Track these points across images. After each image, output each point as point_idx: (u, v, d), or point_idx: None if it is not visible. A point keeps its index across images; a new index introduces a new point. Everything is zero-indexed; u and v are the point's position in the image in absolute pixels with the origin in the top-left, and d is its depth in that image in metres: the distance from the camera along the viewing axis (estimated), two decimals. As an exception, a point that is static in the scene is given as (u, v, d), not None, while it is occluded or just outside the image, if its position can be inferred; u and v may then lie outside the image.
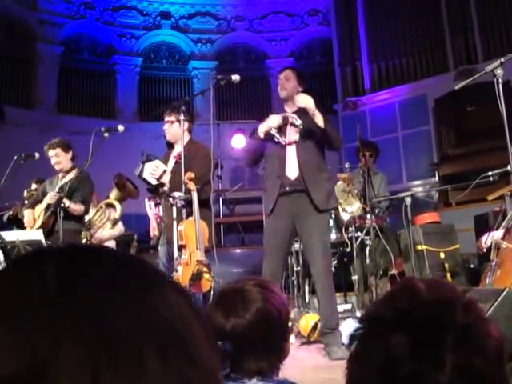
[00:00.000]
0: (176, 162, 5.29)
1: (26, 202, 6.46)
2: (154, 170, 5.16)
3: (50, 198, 5.71)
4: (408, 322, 0.91)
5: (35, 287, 0.51)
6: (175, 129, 5.41)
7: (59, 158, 5.98)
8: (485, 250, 4.79)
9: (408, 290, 0.98)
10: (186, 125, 5.32)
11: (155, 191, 5.28)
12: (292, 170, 4.92)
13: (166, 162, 5.42)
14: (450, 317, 0.93)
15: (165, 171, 5.14)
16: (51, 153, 5.99)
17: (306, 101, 4.90)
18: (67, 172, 6.03)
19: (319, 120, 4.85)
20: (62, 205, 5.53)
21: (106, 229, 6.94)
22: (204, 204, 4.94)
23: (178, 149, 5.34)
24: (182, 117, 4.82)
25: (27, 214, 6.06)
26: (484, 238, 4.93)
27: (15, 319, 0.49)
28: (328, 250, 5.11)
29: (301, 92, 5.15)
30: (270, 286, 1.98)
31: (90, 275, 0.53)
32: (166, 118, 5.48)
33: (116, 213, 6.98)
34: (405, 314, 0.92)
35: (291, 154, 4.96)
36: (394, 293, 1.02)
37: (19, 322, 0.48)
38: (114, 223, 7.03)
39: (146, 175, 5.15)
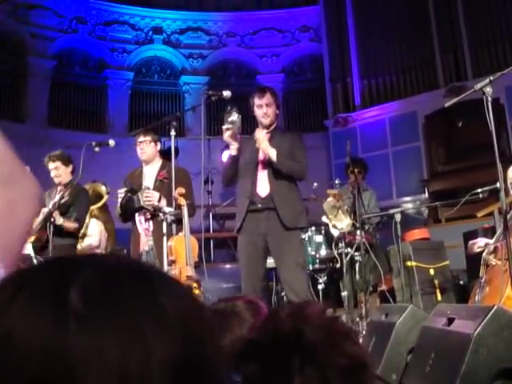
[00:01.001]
0: (159, 181, 5.35)
1: None
2: (147, 197, 5.18)
3: (42, 213, 5.67)
4: (259, 352, 0.97)
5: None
6: (151, 149, 5.53)
7: (59, 171, 5.96)
8: (476, 251, 4.82)
9: (267, 322, 1.04)
10: (158, 145, 5.54)
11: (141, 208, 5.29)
12: (263, 188, 4.93)
13: (138, 180, 5.49)
14: (297, 342, 0.96)
15: (160, 196, 5.18)
16: (51, 165, 5.97)
17: (260, 144, 4.98)
18: (66, 185, 5.99)
19: (272, 156, 4.89)
20: (53, 220, 5.50)
21: (78, 243, 6.96)
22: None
23: (153, 168, 5.55)
24: (173, 132, 4.82)
25: None
26: (477, 241, 4.96)
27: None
28: (304, 272, 5.05)
29: (277, 115, 5.26)
30: (259, 303, 1.98)
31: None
32: (142, 139, 5.55)
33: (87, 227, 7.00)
34: (255, 345, 0.98)
35: (262, 172, 4.98)
36: (259, 326, 1.07)
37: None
38: (82, 237, 7.03)
39: (144, 204, 5.17)
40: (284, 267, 4.84)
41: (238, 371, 0.94)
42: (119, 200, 5.28)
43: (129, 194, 5.18)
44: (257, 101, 5.15)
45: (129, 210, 5.26)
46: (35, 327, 0.52)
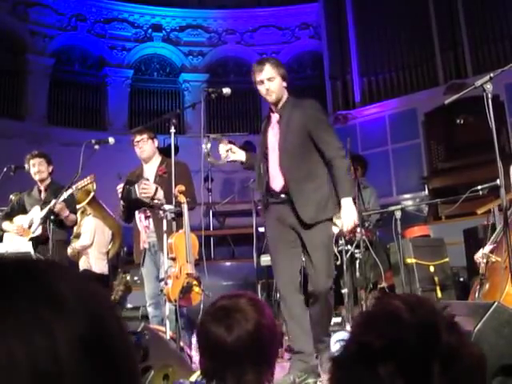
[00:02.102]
0: (159, 176, 5.34)
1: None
2: (144, 189, 5.16)
3: (53, 205, 5.69)
4: (396, 350, 0.90)
5: None
6: (150, 146, 5.52)
7: (42, 168, 6.02)
8: (482, 265, 4.80)
9: (390, 314, 0.96)
10: (156, 141, 5.53)
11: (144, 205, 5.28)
12: (277, 182, 4.46)
13: (139, 176, 5.49)
14: (435, 341, 0.91)
15: (157, 188, 5.16)
16: (36, 161, 6.03)
17: None
18: (47, 185, 6.05)
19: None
20: (63, 213, 5.57)
21: (72, 243, 7.00)
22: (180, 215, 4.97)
23: (153, 166, 5.54)
24: (172, 129, 4.82)
25: (9, 227, 6.05)
26: (479, 253, 4.96)
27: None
28: (332, 268, 4.52)
29: (285, 87, 4.55)
30: (260, 300, 2.01)
31: None
32: (139, 138, 5.55)
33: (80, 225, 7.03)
34: (392, 343, 0.91)
35: (274, 163, 4.48)
36: (377, 317, 0.99)
37: None
38: (77, 236, 7.06)
39: (140, 196, 5.15)
40: (311, 262, 4.34)
41: (373, 369, 0.89)
42: (119, 196, 5.27)
43: (127, 186, 5.18)
44: (257, 77, 4.45)
45: (129, 204, 5.25)
46: None
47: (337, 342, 4.83)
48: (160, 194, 5.14)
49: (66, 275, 0.64)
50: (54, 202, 5.68)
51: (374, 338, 0.92)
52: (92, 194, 7.11)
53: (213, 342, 1.86)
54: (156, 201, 5.09)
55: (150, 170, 5.52)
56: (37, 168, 6.01)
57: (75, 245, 7.03)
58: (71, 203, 5.98)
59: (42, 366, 0.55)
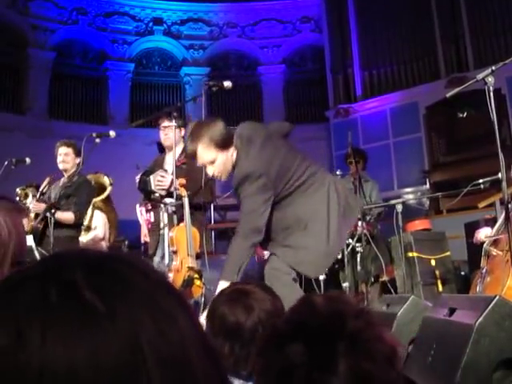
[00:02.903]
0: (177, 167, 5.21)
1: (18, 199, 6.37)
2: (160, 181, 5.07)
3: (32, 208, 5.63)
4: (303, 332, 0.98)
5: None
6: (176, 134, 5.36)
7: (68, 158, 5.86)
8: (482, 239, 4.80)
9: (305, 304, 1.06)
10: (183, 131, 5.31)
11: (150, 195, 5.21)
12: None
13: (160, 167, 5.36)
14: (341, 325, 0.99)
15: (173, 180, 5.06)
16: (63, 150, 5.85)
17: None
18: (70, 176, 5.92)
19: None
20: (48, 214, 5.46)
21: (81, 235, 6.94)
22: (198, 208, 4.93)
23: (177, 153, 5.33)
24: (174, 122, 4.80)
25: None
26: (482, 230, 4.96)
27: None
28: None
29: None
30: (270, 288, 2.02)
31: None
32: (167, 124, 5.36)
33: (86, 218, 6.99)
34: (300, 325, 1.00)
35: None
36: (294, 308, 1.09)
37: None
38: (87, 229, 7.02)
39: (155, 187, 5.08)
40: None
41: (281, 349, 0.97)
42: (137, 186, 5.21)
43: (144, 177, 5.12)
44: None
45: (146, 195, 5.19)
46: (76, 349, 0.50)
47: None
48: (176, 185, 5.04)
49: (154, 268, 0.63)
50: (34, 203, 5.65)
51: (284, 323, 1.02)
52: (108, 190, 7.10)
53: (231, 324, 1.85)
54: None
55: (171, 158, 5.38)
56: (62, 157, 5.86)
57: (86, 237, 7.00)
58: (78, 201, 5.87)
59: (179, 358, 0.54)
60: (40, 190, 5.99)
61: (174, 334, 0.54)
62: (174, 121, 4.84)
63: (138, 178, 5.22)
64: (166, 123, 5.33)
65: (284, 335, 0.99)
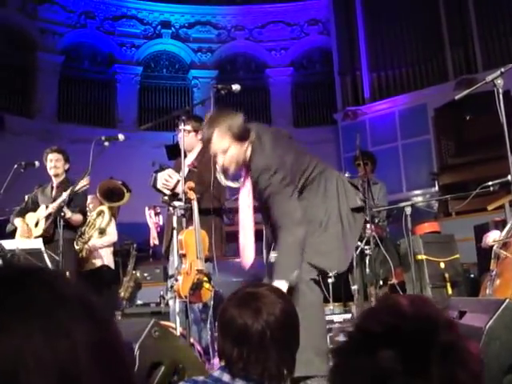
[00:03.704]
0: (189, 171, 5.21)
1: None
2: (166, 181, 5.07)
3: (52, 208, 5.72)
4: (396, 336, 0.92)
5: None
6: (191, 138, 5.37)
7: (58, 164, 6.03)
8: (491, 244, 4.78)
9: (392, 306, 0.99)
10: (199, 136, 5.32)
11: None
12: None
13: (178, 170, 5.32)
14: (434, 333, 0.94)
15: (178, 181, 5.05)
16: (52, 156, 6.03)
17: None
18: (60, 183, 6.05)
19: None
20: (63, 214, 5.52)
21: (94, 237, 6.95)
22: (208, 212, 4.92)
23: (189, 158, 5.33)
24: (182, 126, 4.80)
25: (19, 224, 6.08)
26: (491, 233, 4.94)
27: None
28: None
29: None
30: (282, 290, 2.01)
31: None
32: (187, 127, 5.36)
33: (104, 221, 6.99)
34: (393, 329, 0.93)
35: None
36: (379, 308, 1.03)
37: None
38: (101, 231, 7.02)
39: (160, 186, 5.08)
40: None
41: (373, 354, 0.91)
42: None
43: (154, 174, 5.12)
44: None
45: (157, 191, 5.17)
46: None
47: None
48: (179, 188, 5.03)
49: (71, 283, 0.66)
50: (52, 205, 5.72)
51: (375, 324, 0.95)
52: (127, 197, 7.14)
53: (239, 327, 1.84)
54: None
55: (186, 162, 5.38)
56: (53, 163, 6.02)
57: (101, 241, 7.01)
58: (80, 203, 5.99)
59: (66, 367, 0.56)
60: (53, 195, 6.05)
61: (63, 345, 0.57)
62: (182, 124, 4.83)
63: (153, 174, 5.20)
64: (188, 127, 5.34)
65: (377, 338, 0.94)
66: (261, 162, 3.65)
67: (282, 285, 3.33)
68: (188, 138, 5.33)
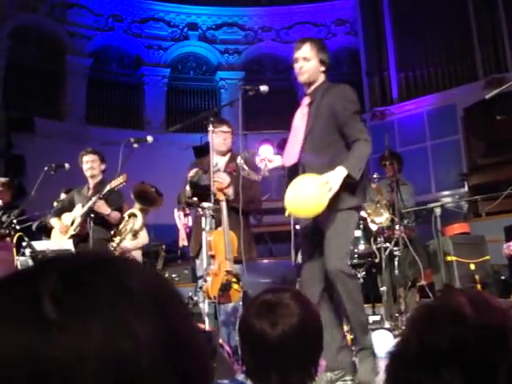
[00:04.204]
0: (229, 173, 5.26)
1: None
2: (220, 178, 5.09)
3: (92, 203, 5.74)
4: (460, 353, 0.85)
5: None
6: (228, 140, 5.47)
7: (94, 165, 6.05)
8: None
9: (454, 312, 0.90)
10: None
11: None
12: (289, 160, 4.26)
13: (206, 168, 5.35)
14: (503, 345, 0.85)
15: (229, 184, 5.10)
16: (88, 157, 6.06)
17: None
18: (97, 183, 6.07)
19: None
20: (103, 211, 5.60)
21: (127, 239, 6.98)
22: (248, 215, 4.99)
23: (222, 160, 5.44)
24: (211, 127, 4.81)
25: (56, 223, 6.13)
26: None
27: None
28: (345, 252, 4.17)
29: (322, 71, 4.30)
30: (304, 297, 1.97)
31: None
32: (226, 129, 5.46)
33: (137, 223, 7.02)
34: (457, 345, 0.85)
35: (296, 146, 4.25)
36: (440, 314, 0.93)
37: None
38: (135, 234, 7.05)
39: (211, 182, 5.01)
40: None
41: (436, 371, 0.83)
42: (189, 179, 5.22)
43: (200, 172, 5.14)
44: (294, 54, 4.29)
45: (195, 189, 5.20)
46: (17, 344, 0.54)
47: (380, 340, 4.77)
48: (230, 191, 5.08)
49: (142, 274, 0.64)
50: (93, 199, 5.74)
51: (440, 340, 0.87)
52: (160, 201, 7.20)
53: (256, 338, 1.82)
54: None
55: (220, 164, 5.43)
56: (89, 164, 6.04)
57: (135, 243, 7.07)
58: (116, 201, 6.02)
59: (126, 368, 0.55)
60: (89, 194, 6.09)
61: (124, 345, 0.55)
62: (211, 125, 4.84)
63: (193, 171, 5.21)
64: (225, 128, 5.41)
65: (441, 354, 0.85)
66: (351, 96, 4.26)
67: (342, 172, 3.84)
68: (228, 141, 5.43)
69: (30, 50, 14.11)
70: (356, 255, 6.49)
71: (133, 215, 7.16)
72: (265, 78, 15.12)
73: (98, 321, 0.56)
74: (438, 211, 5.86)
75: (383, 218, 6.37)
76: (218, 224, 4.71)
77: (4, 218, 6.45)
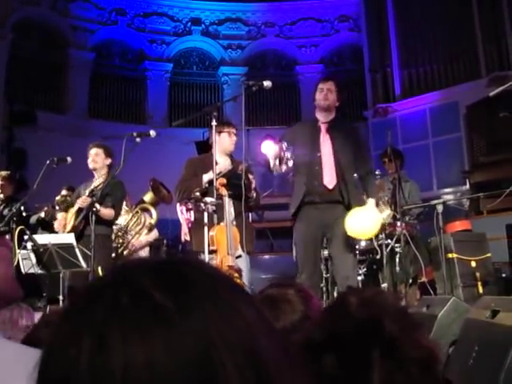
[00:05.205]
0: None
1: (57, 206, 6.53)
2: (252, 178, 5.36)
3: (81, 202, 5.76)
4: (336, 342, 0.95)
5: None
6: (233, 141, 5.60)
7: (97, 158, 6.04)
8: None
9: (339, 308, 1.02)
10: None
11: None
12: (329, 179, 4.99)
13: (204, 166, 5.36)
14: (375, 333, 0.95)
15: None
16: (93, 150, 6.08)
17: None
18: (102, 176, 6.06)
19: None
20: (94, 209, 5.57)
21: (142, 234, 6.99)
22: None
23: (224, 159, 5.53)
24: (214, 122, 4.81)
25: (60, 218, 6.14)
26: None
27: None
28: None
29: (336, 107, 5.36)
30: (308, 291, 1.96)
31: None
32: (235, 131, 5.58)
33: (152, 218, 7.04)
34: (334, 336, 0.96)
35: (329, 165, 5.02)
36: (328, 312, 1.08)
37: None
38: (150, 228, 7.07)
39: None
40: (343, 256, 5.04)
41: (318, 362, 0.93)
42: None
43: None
44: (319, 85, 5.27)
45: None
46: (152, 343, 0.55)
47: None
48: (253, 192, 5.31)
49: (208, 266, 0.67)
50: (81, 197, 5.77)
51: (317, 333, 0.98)
52: (170, 197, 7.25)
53: None
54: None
55: (222, 162, 5.46)
56: (91, 158, 6.06)
57: (150, 237, 7.11)
58: (114, 198, 6.00)
59: (248, 344, 0.57)
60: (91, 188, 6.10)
61: (239, 323, 0.58)
62: (214, 121, 4.85)
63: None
64: (234, 130, 5.54)
65: (318, 345, 0.97)
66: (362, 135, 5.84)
67: (373, 201, 5.08)
68: (233, 141, 5.50)
69: (33, 43, 14.08)
70: (357, 251, 6.49)
71: (145, 209, 7.18)
72: (268, 73, 15.10)
73: (210, 305, 0.58)
74: (440, 208, 5.86)
75: (385, 214, 6.37)
76: (220, 219, 4.73)
77: (6, 212, 6.47)
